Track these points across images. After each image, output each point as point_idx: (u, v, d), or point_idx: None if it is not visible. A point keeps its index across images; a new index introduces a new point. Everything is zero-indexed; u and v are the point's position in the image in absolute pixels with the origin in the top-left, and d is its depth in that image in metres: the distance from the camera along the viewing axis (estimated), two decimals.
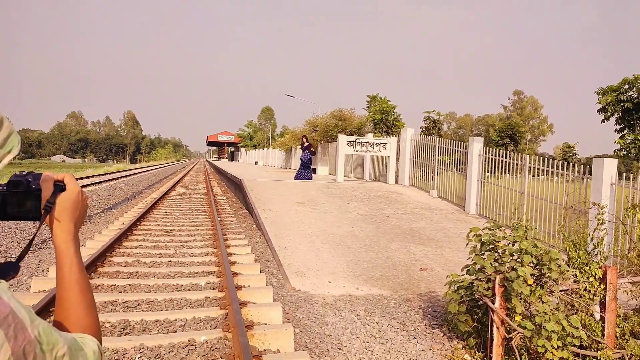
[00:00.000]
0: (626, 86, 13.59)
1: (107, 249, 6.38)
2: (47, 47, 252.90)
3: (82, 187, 0.99)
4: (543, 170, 8.56)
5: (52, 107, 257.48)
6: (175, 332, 3.81)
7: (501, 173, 9.79)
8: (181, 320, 4.03)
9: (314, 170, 21.83)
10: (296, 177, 16.63)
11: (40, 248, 7.88)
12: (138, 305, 4.42)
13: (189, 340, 3.58)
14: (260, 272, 5.83)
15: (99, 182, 21.36)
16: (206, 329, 3.86)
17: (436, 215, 9.99)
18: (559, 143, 41.22)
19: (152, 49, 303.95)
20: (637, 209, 4.73)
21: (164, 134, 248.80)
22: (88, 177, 26.95)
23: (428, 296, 5.35)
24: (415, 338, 4.20)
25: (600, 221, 4.40)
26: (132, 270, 5.62)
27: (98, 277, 5.33)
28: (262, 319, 4.14)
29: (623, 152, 13.38)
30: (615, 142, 13.75)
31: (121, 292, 4.80)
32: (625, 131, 13.74)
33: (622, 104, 13.50)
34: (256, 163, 44.55)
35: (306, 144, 17.21)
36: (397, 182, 15.05)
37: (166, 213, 11.17)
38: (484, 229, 4.20)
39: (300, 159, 17.31)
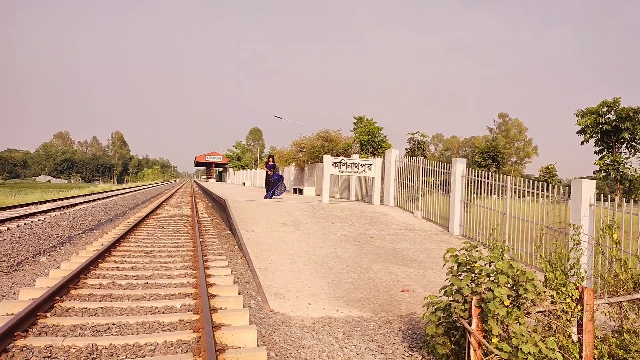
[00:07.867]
0: (605, 109, 13.80)
1: (82, 271, 6.22)
2: (34, 66, 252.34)
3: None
4: (528, 192, 8.60)
5: (39, 127, 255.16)
6: (145, 356, 3.68)
7: (487, 194, 9.81)
8: (151, 344, 3.90)
9: (300, 191, 21.81)
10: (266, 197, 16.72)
11: (15, 270, 7.67)
12: (108, 329, 4.28)
13: None
14: (239, 294, 5.72)
15: (81, 203, 21.02)
16: (176, 354, 3.74)
17: (420, 236, 9.97)
18: (544, 164, 41.79)
19: (142, 70, 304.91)
20: (612, 229, 4.76)
21: (152, 154, 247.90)
22: (72, 197, 26.54)
23: (408, 318, 5.28)
24: None
25: (576, 242, 4.41)
26: (106, 293, 5.47)
27: (70, 300, 5.17)
28: (235, 343, 4.03)
29: (602, 174, 13.55)
30: (594, 163, 13.94)
31: (92, 316, 4.65)
32: (604, 153, 13.93)
33: (600, 126, 13.72)
34: (244, 184, 44.35)
35: (270, 163, 17.19)
36: (382, 202, 15.06)
37: (148, 234, 10.99)
38: (460, 249, 4.17)
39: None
